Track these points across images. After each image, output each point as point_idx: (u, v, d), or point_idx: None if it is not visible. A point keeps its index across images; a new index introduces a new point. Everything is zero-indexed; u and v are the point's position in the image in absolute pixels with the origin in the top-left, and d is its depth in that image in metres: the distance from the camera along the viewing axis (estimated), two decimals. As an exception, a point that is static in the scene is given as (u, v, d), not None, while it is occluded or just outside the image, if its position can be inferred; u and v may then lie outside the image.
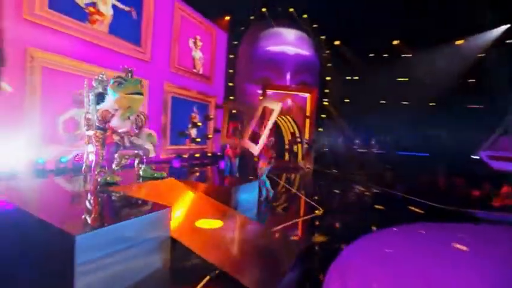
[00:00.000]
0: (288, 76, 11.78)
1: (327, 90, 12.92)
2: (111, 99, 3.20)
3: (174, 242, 2.34)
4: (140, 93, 3.31)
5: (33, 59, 5.81)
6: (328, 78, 12.93)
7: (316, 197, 6.06)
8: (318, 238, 3.44)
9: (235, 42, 11.73)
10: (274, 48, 11.60)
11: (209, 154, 11.70)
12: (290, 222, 3.94)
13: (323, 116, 12.72)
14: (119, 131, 3.39)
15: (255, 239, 2.81)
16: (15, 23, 5.55)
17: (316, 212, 4.69)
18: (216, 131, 12.08)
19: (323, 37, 12.69)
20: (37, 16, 5.85)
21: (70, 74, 6.32)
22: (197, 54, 10.82)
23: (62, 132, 5.95)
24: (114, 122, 3.27)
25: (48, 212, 2.11)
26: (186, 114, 10.67)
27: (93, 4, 6.97)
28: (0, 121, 5.22)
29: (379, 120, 12.53)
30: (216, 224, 2.83)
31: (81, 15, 6.65)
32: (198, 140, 10.86)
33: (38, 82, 5.89)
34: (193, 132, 11.04)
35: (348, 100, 13.37)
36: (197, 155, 10.93)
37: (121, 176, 3.38)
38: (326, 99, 12.82)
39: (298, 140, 12.10)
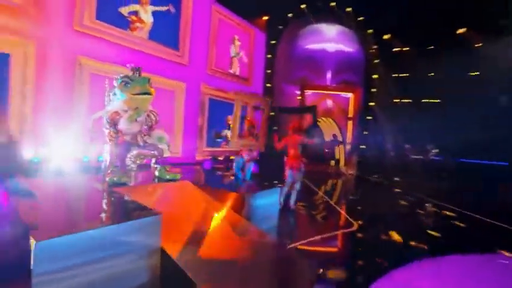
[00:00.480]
0: (329, 75, 11.04)
1: (373, 90, 11.75)
2: (119, 100, 3.17)
3: (164, 253, 2.13)
4: (148, 93, 3.16)
5: (81, 66, 6.36)
6: (375, 76, 11.76)
7: (352, 209, 5.38)
8: (336, 269, 2.88)
9: (273, 42, 11.43)
10: (313, 46, 10.99)
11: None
12: (310, 239, 3.45)
13: (369, 117, 11.59)
14: (128, 132, 3.36)
15: (259, 256, 2.45)
16: (67, 34, 6.14)
17: (352, 227, 4.07)
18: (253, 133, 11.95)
19: (370, 31, 11.59)
20: (86, 27, 6.39)
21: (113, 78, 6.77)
22: (235, 56, 10.84)
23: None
24: (122, 125, 3.22)
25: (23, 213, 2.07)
26: (223, 116, 10.75)
27: (135, 13, 7.41)
28: (54, 123, 5.79)
29: (438, 122, 10.88)
30: (217, 234, 2.56)
31: (123, 23, 7.11)
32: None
33: (85, 87, 6.43)
34: (230, 134, 11.05)
35: (398, 100, 11.97)
36: (232, 158, 10.89)
37: (138, 177, 3.36)
38: (372, 100, 11.66)
39: (340, 143, 11.24)
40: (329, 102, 10.80)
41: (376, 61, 11.84)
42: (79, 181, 3.67)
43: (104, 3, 6.65)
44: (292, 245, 3.01)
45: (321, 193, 6.43)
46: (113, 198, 2.63)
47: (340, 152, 11.34)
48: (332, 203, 5.68)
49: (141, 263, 2.01)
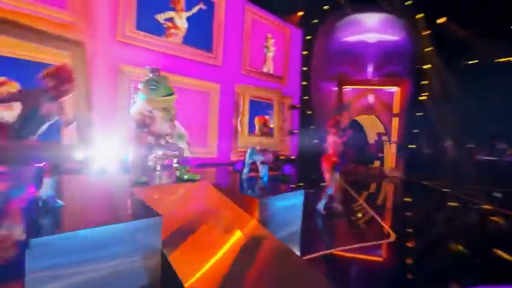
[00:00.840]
0: (370, 68, 10.13)
1: (424, 82, 10.44)
2: (144, 102, 3.28)
3: (164, 255, 2.09)
4: (174, 93, 3.35)
5: (123, 73, 6.89)
6: (426, 66, 10.43)
7: (392, 216, 4.79)
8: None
9: (309, 37, 10.94)
10: (351, 38, 10.20)
11: (282, 157, 11.36)
12: (333, 250, 3.10)
13: (419, 113, 10.32)
14: (161, 133, 3.48)
15: (265, 265, 2.26)
16: (111, 45, 6.71)
17: (388, 238, 3.59)
18: (290, 133, 11.64)
19: (420, 15, 10.32)
20: (127, 37, 6.92)
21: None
22: (270, 55, 10.70)
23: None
24: (156, 127, 3.37)
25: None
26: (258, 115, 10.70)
27: (171, 19, 7.78)
28: (99, 126, 6.37)
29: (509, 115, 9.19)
30: (223, 237, 2.45)
31: (159, 30, 7.52)
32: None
33: (127, 93, 6.95)
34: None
35: (457, 91, 10.41)
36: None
37: (162, 177, 3.44)
38: (423, 93, 10.35)
39: (385, 141, 10.24)
40: (370, 98, 9.91)
41: (428, 49, 10.50)
42: (107, 180, 3.91)
43: (143, 14, 7.11)
44: (307, 257, 2.74)
45: (357, 196, 5.89)
46: (122, 198, 2.71)
47: (385, 152, 10.34)
48: (368, 208, 5.14)
49: (140, 264, 1.99)
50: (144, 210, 2.24)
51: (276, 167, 9.74)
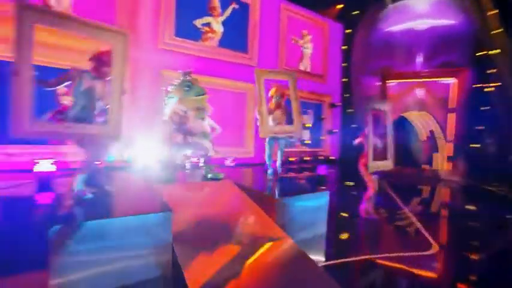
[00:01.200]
0: (420, 59, 9.06)
1: (492, 70, 8.93)
2: (176, 102, 3.47)
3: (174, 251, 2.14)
4: (205, 92, 3.58)
5: (164, 78, 7.39)
6: (494, 51, 8.91)
7: (434, 224, 4.20)
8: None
9: (349, 31, 10.30)
10: (396, 27, 9.26)
11: (321, 158, 10.92)
12: (352, 259, 2.80)
13: (484, 108, 8.87)
14: (194, 131, 3.65)
15: (277, 270, 2.15)
16: (153, 52, 7.26)
17: (429, 250, 3.13)
18: (330, 132, 11.14)
19: (484, -6, 8.88)
20: (167, 44, 7.41)
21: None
22: (307, 52, 10.40)
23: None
24: (190, 125, 3.58)
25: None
26: (296, 115, 10.47)
27: (208, 24, 8.10)
28: (143, 127, 6.93)
29: None
30: (237, 237, 2.41)
31: (197, 35, 7.89)
32: (307, 142, 10.35)
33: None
34: (305, 134, 10.66)
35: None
36: (306, 158, 10.40)
37: (189, 175, 3.59)
38: (489, 83, 8.86)
39: (439, 140, 9.07)
40: (420, 92, 8.85)
41: (496, 31, 8.96)
42: (140, 176, 4.20)
43: (181, 22, 7.55)
44: (324, 264, 2.52)
45: (398, 201, 5.31)
46: (144, 193, 2.87)
47: (439, 153, 9.15)
48: (411, 214, 4.57)
49: (152, 257, 2.07)
50: (159, 205, 2.34)
51: (312, 167, 9.39)
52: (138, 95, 6.91)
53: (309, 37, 10.33)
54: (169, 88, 3.89)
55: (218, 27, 8.31)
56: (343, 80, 10.69)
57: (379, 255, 2.84)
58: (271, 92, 4.10)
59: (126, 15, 6.82)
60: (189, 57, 7.73)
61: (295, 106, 4.00)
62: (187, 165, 4.23)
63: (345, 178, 7.57)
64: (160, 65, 7.27)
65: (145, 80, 7.11)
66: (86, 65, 2.62)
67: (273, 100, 4.04)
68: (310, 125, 10.44)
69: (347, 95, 10.27)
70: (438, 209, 5.68)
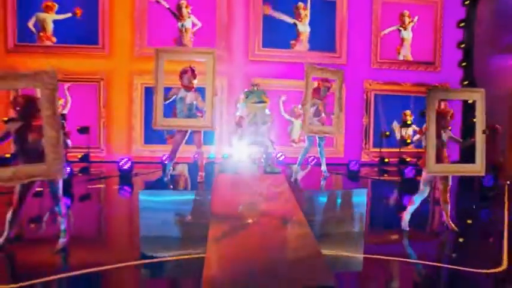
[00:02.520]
0: None
1: None
2: (242, 108, 4.26)
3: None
4: (263, 101, 4.07)
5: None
6: None
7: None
8: None
9: (467, 2, 8.14)
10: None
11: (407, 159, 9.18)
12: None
13: None
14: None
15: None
16: (245, 64, 8.40)
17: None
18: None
19: None
20: (256, 55, 8.39)
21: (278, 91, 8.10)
22: (407, 37, 9.11)
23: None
24: (244, 126, 4.32)
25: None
26: (395, 112, 9.31)
27: (294, 25, 8.50)
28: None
29: None
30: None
31: (285, 43, 8.48)
32: (408, 141, 9.01)
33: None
34: (407, 132, 9.38)
35: None
36: (407, 159, 9.00)
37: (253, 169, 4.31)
38: None
39: None
40: None
41: None
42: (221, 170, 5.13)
43: (267, 33, 8.35)
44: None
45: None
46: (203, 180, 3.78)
47: None
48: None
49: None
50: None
51: (398, 170, 7.94)
52: (233, 103, 8.19)
53: (410, 19, 8.99)
54: (241, 95, 4.68)
55: (304, 29, 8.56)
56: (462, 64, 8.60)
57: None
58: (318, 83, 4.37)
59: (223, 38, 8.25)
60: (279, 64, 8.27)
61: (337, 106, 3.97)
62: (256, 161, 4.87)
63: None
64: (251, 74, 8.02)
65: (235, 89, 8.12)
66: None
67: (321, 91, 4.31)
68: (411, 123, 9.04)
69: (466, 82, 8.21)
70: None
